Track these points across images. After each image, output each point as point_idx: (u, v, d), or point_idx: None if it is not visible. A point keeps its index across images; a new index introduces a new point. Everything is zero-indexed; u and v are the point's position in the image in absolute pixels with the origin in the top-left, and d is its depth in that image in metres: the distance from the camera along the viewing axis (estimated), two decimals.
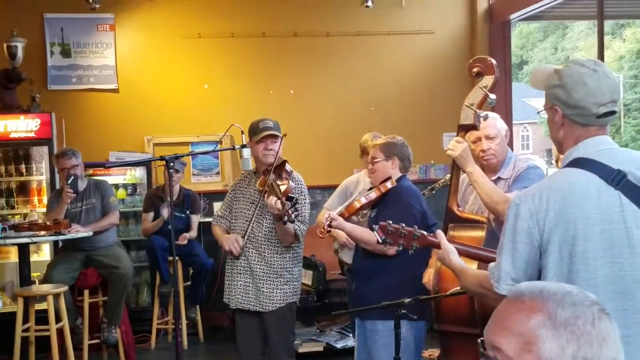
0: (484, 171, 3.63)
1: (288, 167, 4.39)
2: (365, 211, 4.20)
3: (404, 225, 2.78)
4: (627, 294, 2.09)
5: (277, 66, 8.12)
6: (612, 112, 2.22)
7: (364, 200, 4.10)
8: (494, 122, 3.73)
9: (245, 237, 4.40)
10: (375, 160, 4.14)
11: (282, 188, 4.15)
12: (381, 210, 4.07)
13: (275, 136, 4.36)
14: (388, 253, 3.81)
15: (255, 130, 4.42)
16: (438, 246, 2.68)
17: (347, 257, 4.94)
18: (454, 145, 3.45)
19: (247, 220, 4.43)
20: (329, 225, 4.02)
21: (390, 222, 2.78)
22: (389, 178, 4.09)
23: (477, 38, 8.34)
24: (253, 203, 4.42)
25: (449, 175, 3.61)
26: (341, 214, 4.07)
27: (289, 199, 4.10)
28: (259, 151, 4.38)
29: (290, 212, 4.03)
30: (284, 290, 4.44)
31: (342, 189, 5.47)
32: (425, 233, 2.77)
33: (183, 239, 6.74)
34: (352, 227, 4.09)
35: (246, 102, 7.93)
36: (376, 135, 5.01)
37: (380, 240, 2.78)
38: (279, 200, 4.06)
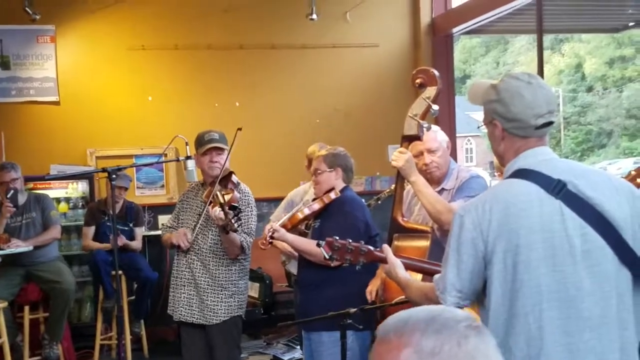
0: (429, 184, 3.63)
1: (235, 178, 4.36)
2: (309, 222, 4.20)
3: (350, 241, 2.77)
4: (571, 301, 2.10)
5: (223, 78, 8.01)
6: (550, 123, 2.24)
7: (307, 211, 4.08)
8: (434, 135, 3.71)
9: (193, 235, 4.36)
10: (318, 171, 4.13)
11: (227, 198, 4.12)
12: (325, 221, 4.05)
13: (221, 148, 4.35)
14: (331, 265, 3.78)
15: (200, 142, 4.40)
16: (385, 261, 2.68)
17: (295, 268, 4.87)
18: (398, 155, 3.44)
19: (191, 230, 4.40)
20: (271, 237, 3.99)
21: (337, 237, 2.78)
22: (332, 189, 4.08)
23: (421, 51, 8.43)
24: (199, 214, 4.40)
25: (394, 186, 3.63)
26: (284, 225, 4.04)
27: (232, 208, 4.06)
28: (204, 163, 4.37)
29: (232, 221, 3.97)
30: (229, 304, 4.39)
31: (288, 200, 5.43)
32: (372, 248, 2.76)
33: (120, 241, 6.45)
34: (295, 239, 4.06)
35: (191, 114, 7.80)
36: (322, 146, 4.99)
37: (327, 257, 2.77)
38: (222, 210, 4.03)
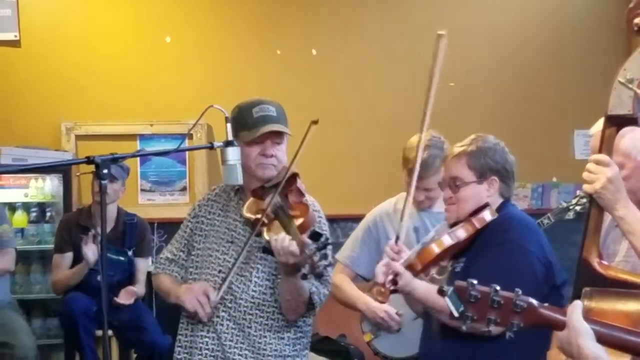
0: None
1: (301, 184, 3.42)
2: (444, 263, 3.34)
3: (497, 288, 1.97)
4: None
5: (289, 11, 6.52)
6: None
7: (448, 242, 3.21)
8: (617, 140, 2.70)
9: (220, 293, 3.39)
10: (458, 182, 3.20)
11: (298, 220, 3.23)
12: (474, 260, 3.17)
13: (279, 134, 3.40)
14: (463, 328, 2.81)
15: (246, 121, 3.39)
16: (560, 326, 1.91)
17: (389, 347, 3.86)
18: (593, 169, 2.49)
19: (220, 271, 3.38)
20: (394, 283, 3.13)
21: (474, 282, 1.98)
22: (486, 205, 3.23)
23: None
24: (233, 242, 3.43)
25: (575, 199, 3.33)
26: (411, 266, 3.19)
27: (315, 236, 3.09)
28: (251, 157, 3.38)
29: (316, 259, 3.03)
30: None
31: (369, 224, 4.21)
32: (534, 303, 1.93)
33: (128, 297, 5.33)
34: (428, 291, 3.21)
35: (235, 69, 6.43)
36: (436, 139, 3.76)
37: (455, 313, 1.98)
38: (296, 239, 3.09)
